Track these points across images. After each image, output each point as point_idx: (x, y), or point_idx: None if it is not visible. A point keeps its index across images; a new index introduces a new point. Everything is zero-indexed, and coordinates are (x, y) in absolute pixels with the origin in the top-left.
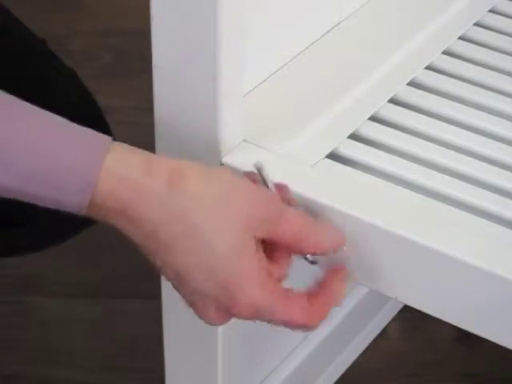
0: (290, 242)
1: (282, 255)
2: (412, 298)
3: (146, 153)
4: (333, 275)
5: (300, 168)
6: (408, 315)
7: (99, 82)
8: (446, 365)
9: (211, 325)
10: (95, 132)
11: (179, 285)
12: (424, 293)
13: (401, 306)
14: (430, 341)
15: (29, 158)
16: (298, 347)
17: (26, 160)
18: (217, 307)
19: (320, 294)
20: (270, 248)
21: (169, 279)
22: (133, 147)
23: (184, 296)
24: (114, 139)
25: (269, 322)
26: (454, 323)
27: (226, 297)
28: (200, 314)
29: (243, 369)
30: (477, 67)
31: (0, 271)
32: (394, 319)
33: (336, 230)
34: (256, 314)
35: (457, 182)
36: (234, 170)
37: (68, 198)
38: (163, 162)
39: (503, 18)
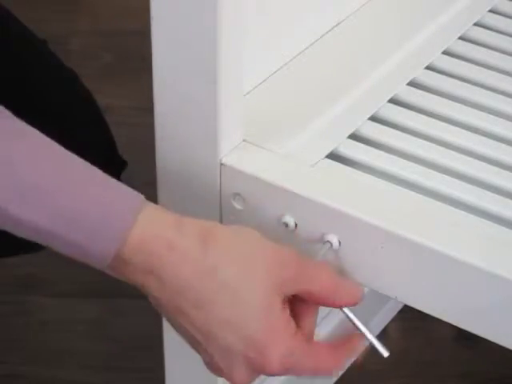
0: (318, 300)
1: (310, 311)
2: (412, 297)
3: (176, 214)
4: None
5: (300, 168)
6: (408, 315)
7: (99, 82)
8: (446, 365)
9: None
10: (129, 188)
11: (207, 344)
12: (424, 293)
13: (401, 306)
14: (430, 341)
15: (66, 201)
16: None
17: (62, 202)
18: (246, 365)
19: (343, 344)
20: (299, 304)
21: (194, 342)
22: (162, 207)
23: (211, 358)
24: (114, 139)
25: (297, 374)
26: (454, 323)
27: (256, 352)
28: (228, 374)
29: None
30: (477, 67)
31: (0, 271)
32: (393, 319)
33: (354, 286)
34: (285, 367)
35: (457, 182)
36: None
37: (94, 245)
38: (194, 222)
39: (503, 18)
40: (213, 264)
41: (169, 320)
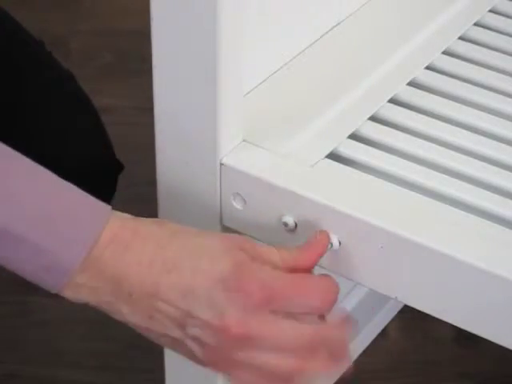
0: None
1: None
2: (412, 297)
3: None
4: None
5: (300, 168)
6: (408, 315)
7: (99, 82)
8: (446, 365)
9: (234, 336)
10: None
11: (189, 305)
12: (424, 293)
13: (401, 306)
14: (430, 341)
15: (37, 208)
16: None
17: (33, 208)
18: (232, 305)
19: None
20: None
21: (175, 326)
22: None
23: (196, 320)
24: (111, 141)
25: (284, 302)
26: (454, 323)
27: (235, 286)
28: (221, 323)
29: None
30: (477, 67)
31: (0, 271)
32: (393, 319)
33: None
34: (267, 294)
35: (457, 182)
36: (233, 170)
37: (68, 247)
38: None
39: (503, 18)
40: (173, 231)
41: (147, 329)
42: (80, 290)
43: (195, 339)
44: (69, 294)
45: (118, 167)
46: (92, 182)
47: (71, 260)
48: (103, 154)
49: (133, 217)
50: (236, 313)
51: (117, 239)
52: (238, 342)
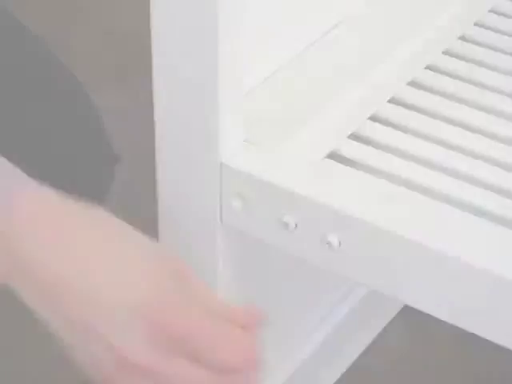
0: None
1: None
2: (412, 297)
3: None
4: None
5: (300, 168)
6: (408, 315)
7: (99, 82)
8: (446, 365)
9: (131, 364)
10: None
11: (96, 319)
12: (424, 293)
13: (401, 306)
14: (430, 341)
15: None
16: (298, 348)
17: None
18: (139, 334)
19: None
20: None
21: (77, 316)
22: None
23: (99, 337)
24: (114, 139)
25: (194, 354)
26: (454, 323)
27: (153, 313)
28: (120, 349)
29: None
30: (477, 67)
31: None
32: (394, 319)
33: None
34: (183, 337)
35: (457, 181)
36: (233, 171)
37: None
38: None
39: (503, 18)
40: (99, 218)
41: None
42: None
43: (91, 355)
44: None
45: (116, 158)
46: (90, 173)
47: None
48: (102, 150)
49: (55, 195)
50: (142, 343)
51: (29, 216)
52: (133, 371)
